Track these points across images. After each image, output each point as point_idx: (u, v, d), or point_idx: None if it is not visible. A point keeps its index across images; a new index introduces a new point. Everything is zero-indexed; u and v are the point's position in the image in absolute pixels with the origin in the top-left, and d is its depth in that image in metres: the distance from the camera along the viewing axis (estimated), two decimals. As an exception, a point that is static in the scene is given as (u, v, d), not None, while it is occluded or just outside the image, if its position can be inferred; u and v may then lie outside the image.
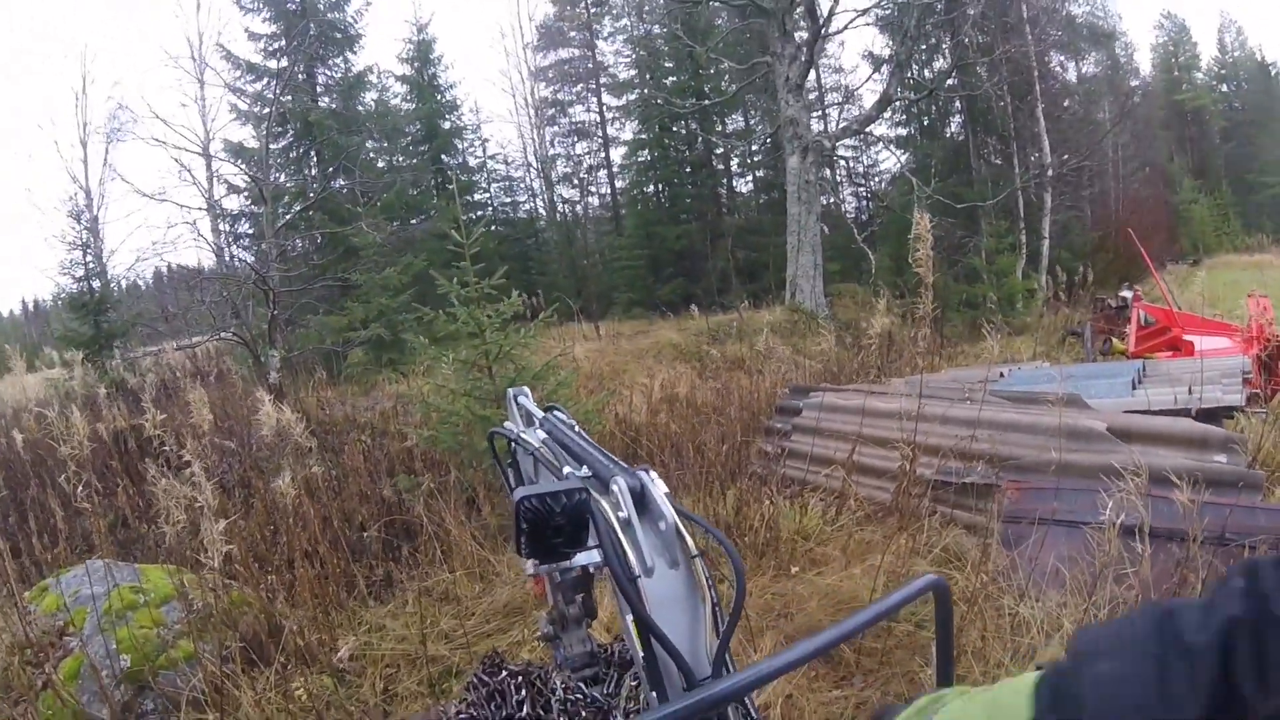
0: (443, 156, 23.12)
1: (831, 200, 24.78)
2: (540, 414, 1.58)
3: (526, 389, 1.78)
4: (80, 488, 2.91)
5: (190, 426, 4.18)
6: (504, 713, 2.32)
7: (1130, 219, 18.89)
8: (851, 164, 26.49)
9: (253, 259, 14.58)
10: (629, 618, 0.95)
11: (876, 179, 26.26)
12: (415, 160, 22.38)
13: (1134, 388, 5.09)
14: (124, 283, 16.13)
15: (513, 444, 1.58)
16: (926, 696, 0.75)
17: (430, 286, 6.18)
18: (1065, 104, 21.74)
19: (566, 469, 1.21)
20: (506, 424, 1.67)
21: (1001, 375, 5.93)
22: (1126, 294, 10.85)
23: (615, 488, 1.02)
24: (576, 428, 1.44)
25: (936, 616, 0.91)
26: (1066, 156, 18.35)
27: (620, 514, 1.00)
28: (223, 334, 12.71)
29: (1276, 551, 0.57)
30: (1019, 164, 18.84)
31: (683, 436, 5.72)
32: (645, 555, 0.96)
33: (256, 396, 4.68)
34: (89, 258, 14.09)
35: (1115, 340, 9.37)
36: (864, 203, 26.79)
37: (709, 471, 4.99)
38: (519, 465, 1.64)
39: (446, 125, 23.46)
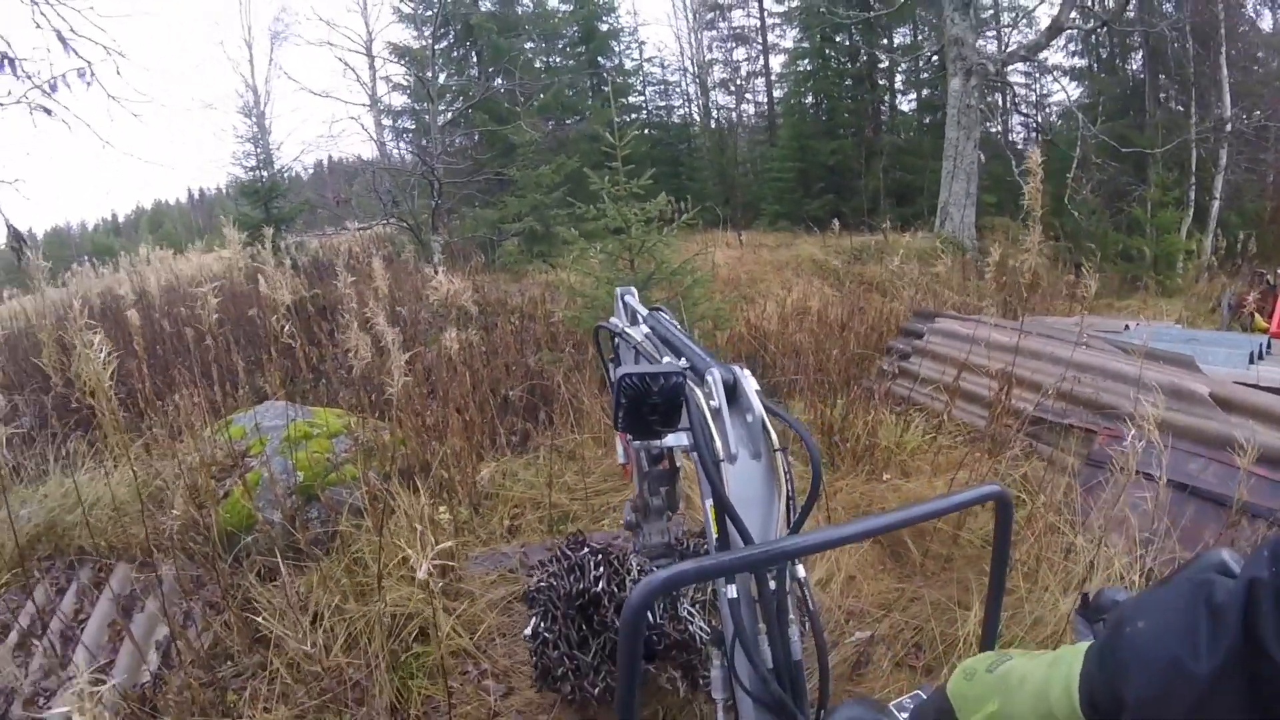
0: (599, 58, 23.11)
1: (997, 129, 23.28)
2: (645, 311, 1.68)
3: (633, 289, 1.90)
4: (282, 331, 3.51)
5: (373, 290, 4.83)
6: (581, 585, 2.49)
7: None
8: (1024, 92, 24.71)
9: (414, 153, 15.38)
10: (709, 501, 1.02)
11: (1047, 110, 24.41)
12: (572, 61, 22.50)
13: (1251, 362, 4.89)
14: (289, 173, 17.39)
15: (616, 338, 1.69)
16: (997, 653, 0.82)
17: (582, 184, 6.57)
18: (1258, 55, 19.33)
19: (666, 359, 1.31)
20: (612, 319, 1.78)
21: (1127, 327, 5.83)
22: None
23: (710, 378, 1.08)
24: (678, 326, 1.53)
25: (996, 525, 0.95)
26: (1254, 114, 16.51)
27: (712, 402, 1.06)
28: (391, 219, 13.66)
29: None
30: (1196, 114, 17.10)
31: (807, 347, 5.97)
32: (731, 443, 1.03)
33: (424, 273, 5.26)
34: (259, 150, 15.31)
35: (1258, 316, 8.80)
36: (1032, 134, 25.02)
37: (825, 380, 5.26)
38: (620, 359, 1.75)
39: (604, 27, 23.33)
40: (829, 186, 21.29)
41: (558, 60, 22.34)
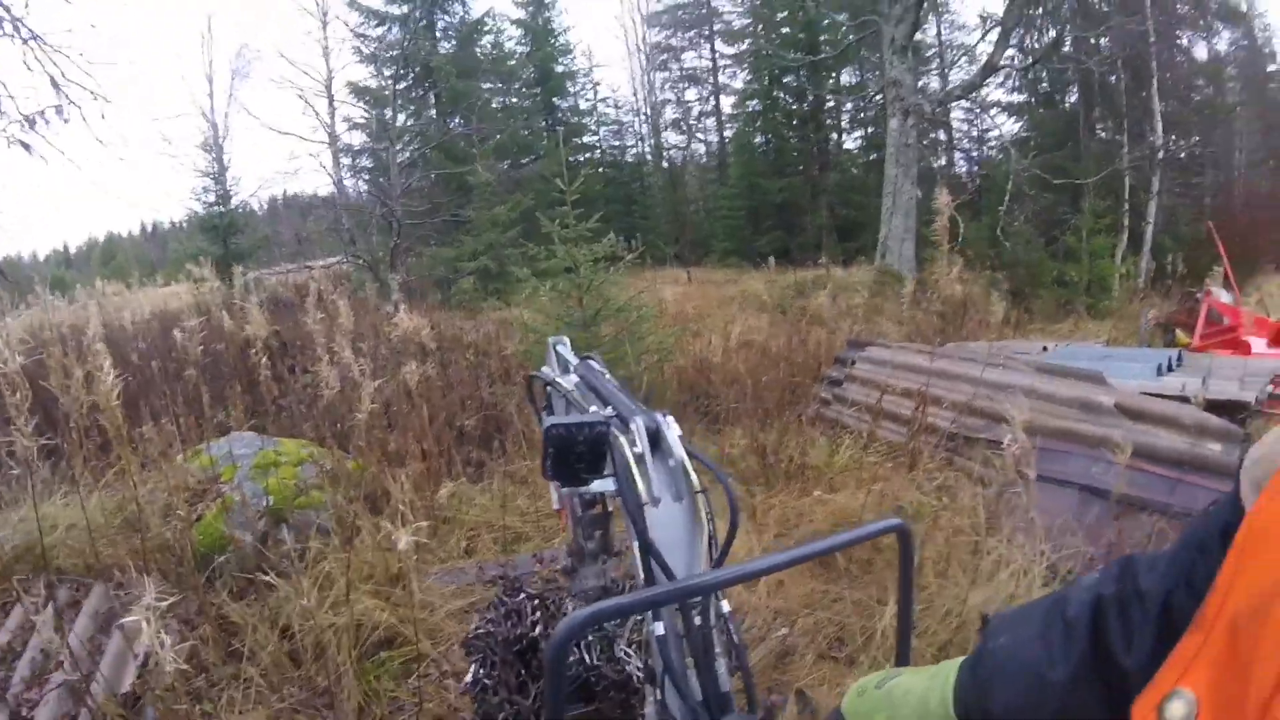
0: (554, 99, 23.79)
1: (939, 164, 24.22)
2: (575, 360, 1.73)
3: (566, 339, 1.94)
4: (260, 364, 3.80)
5: (338, 326, 5.14)
6: (518, 630, 2.53)
7: (1248, 213, 17.78)
8: (966, 128, 25.75)
9: (373, 193, 15.62)
10: (636, 544, 1.02)
11: (989, 144, 25.49)
12: (528, 102, 23.08)
13: (1160, 374, 5.30)
14: (244, 209, 17.38)
15: (549, 387, 1.72)
16: (887, 670, 0.86)
17: (537, 223, 6.93)
18: (1197, 82, 20.36)
19: (593, 408, 1.34)
20: (544, 369, 1.82)
21: (1045, 349, 6.31)
22: (1217, 290, 10.76)
23: (633, 426, 1.10)
24: (608, 375, 1.57)
25: (900, 556, 0.96)
26: (1187, 140, 17.40)
27: (635, 449, 1.08)
28: (351, 257, 13.89)
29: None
30: (1128, 143, 18.00)
31: (747, 377, 6.30)
32: (654, 487, 1.05)
33: (384, 310, 5.56)
34: (218, 185, 15.25)
35: (1180, 332, 9.31)
36: (973, 169, 26.05)
37: (762, 408, 5.64)
38: (552, 407, 1.80)
39: (559, 69, 24.05)
40: (778, 223, 21.97)
41: (514, 100, 22.84)
